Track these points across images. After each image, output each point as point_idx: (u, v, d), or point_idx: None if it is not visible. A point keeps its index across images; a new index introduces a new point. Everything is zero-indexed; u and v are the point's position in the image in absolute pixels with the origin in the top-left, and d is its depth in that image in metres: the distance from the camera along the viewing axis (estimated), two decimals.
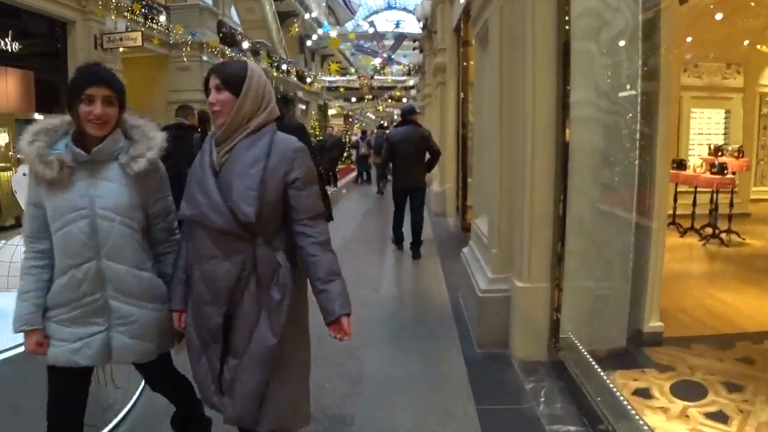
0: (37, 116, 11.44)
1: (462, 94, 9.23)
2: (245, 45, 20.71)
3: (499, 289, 3.89)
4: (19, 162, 10.62)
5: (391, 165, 7.35)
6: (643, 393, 3.23)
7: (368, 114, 55.81)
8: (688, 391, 3.22)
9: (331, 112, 44.29)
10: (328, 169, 16.47)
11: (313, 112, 19.62)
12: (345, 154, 21.96)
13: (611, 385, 2.96)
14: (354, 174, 20.06)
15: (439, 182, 10.90)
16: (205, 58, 15.49)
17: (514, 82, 3.75)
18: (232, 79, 1.95)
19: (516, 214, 3.78)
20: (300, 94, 31.57)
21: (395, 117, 58.07)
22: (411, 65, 23.91)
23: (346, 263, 6.65)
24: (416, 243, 7.12)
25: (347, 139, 19.21)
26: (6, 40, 10.43)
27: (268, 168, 1.93)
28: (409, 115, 7.36)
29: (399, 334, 4.41)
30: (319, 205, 2.06)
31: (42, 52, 11.83)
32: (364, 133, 22.84)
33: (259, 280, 1.99)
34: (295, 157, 1.98)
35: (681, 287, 5.08)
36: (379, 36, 33.65)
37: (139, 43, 11.87)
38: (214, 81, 1.97)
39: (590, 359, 3.24)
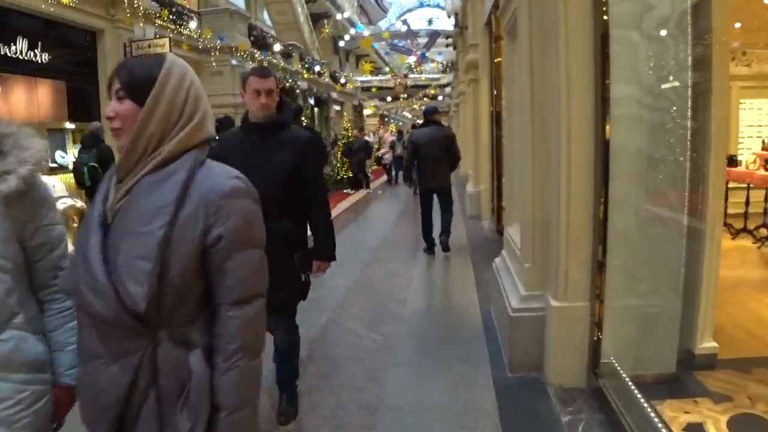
0: (68, 125, 11.50)
1: (495, 91, 8.81)
2: (277, 47, 20.62)
3: (532, 308, 3.51)
4: (51, 171, 10.70)
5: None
6: (696, 429, 2.81)
7: (404, 113, 55.56)
8: (749, 427, 2.80)
9: (366, 112, 44.15)
10: (356, 171, 16.27)
11: (345, 113, 19.36)
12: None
13: (656, 420, 2.57)
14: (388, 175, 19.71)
15: (474, 183, 10.50)
16: (234, 62, 15.38)
17: (547, 77, 3.37)
18: (137, 82, 1.32)
19: (551, 223, 3.40)
20: (334, 95, 31.45)
21: None
22: (445, 62, 23.42)
23: (374, 273, 6.39)
24: (446, 233, 7.20)
25: (376, 142, 18.68)
26: (36, 51, 10.44)
27: (178, 223, 1.26)
28: (431, 116, 7.28)
29: (424, 355, 4.07)
30: (255, 284, 1.36)
31: (73, 62, 11.86)
32: (400, 133, 22.51)
33: (160, 397, 1.29)
34: (223, 205, 1.29)
35: (735, 299, 4.56)
36: (412, 34, 33.29)
37: (167, 48, 11.79)
38: (115, 85, 1.35)
39: (634, 388, 2.84)
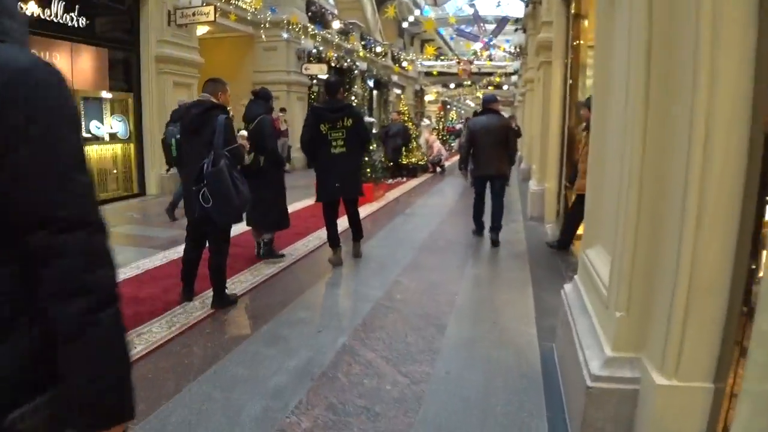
0: (105, 94, 10.88)
1: (571, 79, 7.57)
2: (336, 25, 19.66)
3: (621, 377, 2.40)
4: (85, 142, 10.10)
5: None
6: None
7: (467, 101, 54.03)
8: None
9: (428, 98, 42.94)
10: (390, 158, 14.77)
11: (403, 97, 18.26)
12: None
13: None
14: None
15: (538, 180, 9.28)
16: (284, 36, 14.49)
17: (673, 49, 2.23)
18: None
19: (664, 257, 2.28)
20: (394, 78, 30.43)
21: None
22: (513, 47, 21.95)
23: (413, 283, 5.28)
24: (496, 229, 7.12)
25: (414, 126, 17.13)
26: (73, 14, 9.79)
27: None
28: (490, 104, 7.32)
29: (461, 414, 3.01)
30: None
31: (114, 29, 11.22)
32: (468, 120, 21.29)
33: None
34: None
35: None
36: (480, 19, 31.90)
37: (211, 18, 11.01)
38: None
39: None
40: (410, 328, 4.22)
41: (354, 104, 5.98)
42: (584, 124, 6.19)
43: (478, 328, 4.25)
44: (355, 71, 22.80)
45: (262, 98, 6.10)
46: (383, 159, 15.79)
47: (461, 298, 4.98)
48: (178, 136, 7.90)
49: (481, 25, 31.67)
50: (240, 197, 4.41)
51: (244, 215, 5.36)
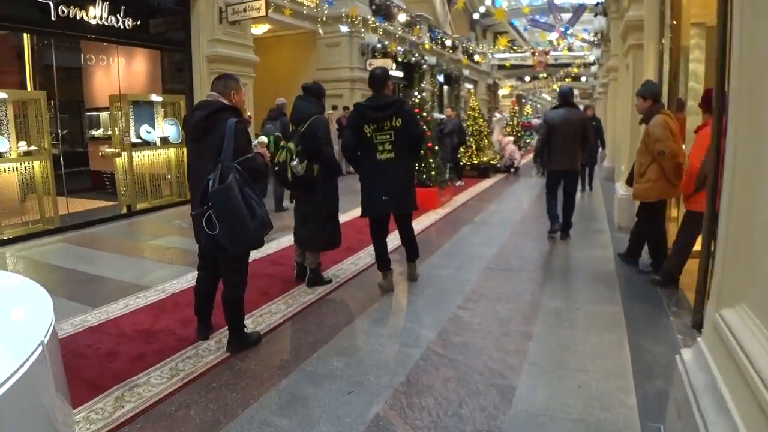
0: (155, 97, 10.40)
1: (668, 65, 6.33)
2: (401, 18, 18.73)
3: None
4: (133, 147, 9.72)
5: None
6: None
7: (543, 95, 51.79)
8: None
9: (501, 92, 41.31)
10: (448, 159, 12.51)
11: (472, 92, 17.07)
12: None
13: None
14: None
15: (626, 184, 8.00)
16: (343, 30, 13.69)
17: None
18: None
19: None
20: (466, 72, 29.17)
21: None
22: (594, 33, 20.31)
23: (473, 319, 4.41)
24: (566, 226, 7.19)
25: (484, 122, 15.57)
26: (118, 16, 9.32)
27: None
28: (567, 98, 7.15)
29: None
30: None
31: (165, 30, 10.74)
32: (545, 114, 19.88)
33: None
34: None
35: None
36: (555, 8, 30.21)
37: (263, 12, 10.33)
38: None
39: None
40: (467, 392, 3.23)
41: (404, 99, 4.95)
42: (641, 116, 5.33)
43: (557, 395, 3.20)
44: (424, 66, 21.81)
45: (313, 95, 5.21)
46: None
47: (536, 344, 3.92)
48: (277, 133, 8.50)
49: (557, 14, 30.00)
50: (256, 219, 3.57)
51: (279, 237, 4.54)
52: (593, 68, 27.50)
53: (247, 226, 3.53)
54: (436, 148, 9.92)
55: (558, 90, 7.71)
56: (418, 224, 8.17)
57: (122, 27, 9.36)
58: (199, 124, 3.66)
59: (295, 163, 5.07)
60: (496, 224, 8.16)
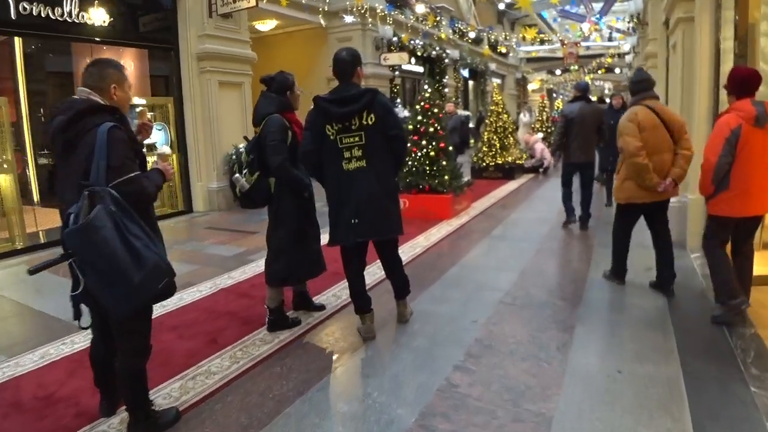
0: (137, 100, 9.42)
1: (731, 41, 5.04)
2: (420, 9, 17.48)
3: None
4: None
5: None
6: None
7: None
8: None
9: (531, 86, 39.68)
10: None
11: (495, 85, 15.68)
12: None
13: None
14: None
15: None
16: (348, 20, 12.56)
17: None
18: None
19: None
20: (492, 66, 27.76)
21: (606, 90, 51.62)
22: (630, 16, 18.75)
23: (470, 401, 2.24)
24: (585, 217, 7.38)
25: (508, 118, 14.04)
26: (92, 12, 8.35)
27: None
28: (584, 92, 7.44)
29: None
30: None
31: (148, 26, 9.76)
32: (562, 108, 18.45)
33: None
34: None
35: None
36: None
37: (253, 3, 9.24)
38: None
39: None
40: None
41: (376, 89, 3.72)
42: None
43: None
44: (446, 60, 20.54)
45: (274, 90, 4.12)
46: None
47: (564, 413, 2.71)
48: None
49: (588, 3, 28.51)
50: (143, 267, 2.43)
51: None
52: (628, 58, 25.80)
53: (130, 278, 2.39)
54: (450, 149, 8.69)
55: (575, 84, 8.03)
56: (426, 239, 6.97)
57: (96, 24, 8.38)
58: (58, 135, 2.55)
59: (237, 176, 4.04)
60: (518, 239, 6.89)
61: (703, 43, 5.56)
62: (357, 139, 3.60)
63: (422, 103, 8.61)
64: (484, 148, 13.50)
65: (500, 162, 13.16)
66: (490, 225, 7.80)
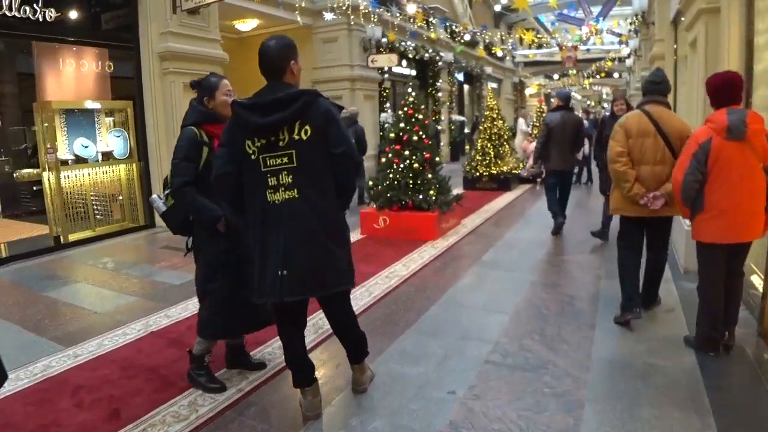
0: (91, 105, 8.48)
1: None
2: (411, 9, 16.54)
3: None
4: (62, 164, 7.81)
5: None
6: None
7: (573, 93, 48.94)
8: None
9: (528, 91, 38.79)
10: None
11: (489, 89, 14.73)
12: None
13: None
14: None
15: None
16: (328, 18, 11.65)
17: None
18: None
19: None
20: (488, 70, 26.83)
21: (604, 95, 50.81)
22: (631, 19, 17.86)
23: None
24: (561, 217, 7.54)
25: (503, 124, 13.01)
26: (37, 6, 7.41)
27: None
28: (566, 100, 7.63)
29: None
30: None
31: (103, 22, 8.85)
32: (587, 113, 17.56)
33: None
34: None
35: None
36: (585, 1, 27.91)
37: None
38: None
39: None
40: None
41: (315, 91, 2.74)
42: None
43: None
44: (440, 63, 19.61)
45: (198, 96, 3.32)
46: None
47: None
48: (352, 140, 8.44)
49: (587, 7, 27.76)
50: None
51: None
52: (628, 62, 24.94)
53: None
54: (437, 159, 7.75)
55: (557, 92, 8.12)
56: (405, 267, 6.02)
57: (43, 19, 7.43)
58: None
59: (155, 196, 3.33)
60: (512, 267, 5.92)
61: (732, 38, 4.64)
62: (286, 160, 2.63)
63: (405, 109, 7.68)
64: (478, 157, 12.56)
65: (495, 172, 12.22)
66: (481, 248, 6.83)
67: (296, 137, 2.63)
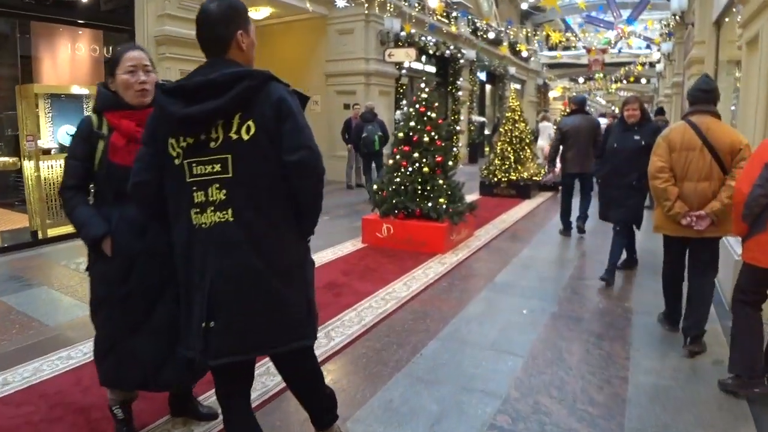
0: (78, 89, 7.85)
1: None
2: (432, 2, 15.75)
3: None
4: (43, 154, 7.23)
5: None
6: None
7: (597, 98, 47.66)
8: None
9: (552, 94, 37.77)
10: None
11: (513, 89, 13.84)
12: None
13: None
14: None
15: None
16: (340, 5, 10.93)
17: None
18: None
19: None
20: (512, 70, 25.94)
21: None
22: (667, 22, 16.89)
23: None
24: (583, 218, 7.66)
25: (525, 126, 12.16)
26: None
27: None
28: (581, 105, 7.81)
29: None
30: None
31: (98, 4, 8.23)
32: (614, 118, 16.56)
33: None
34: None
35: None
36: (615, 4, 26.95)
37: None
38: None
39: None
40: None
41: (266, 72, 1.97)
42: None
43: None
44: (461, 60, 18.80)
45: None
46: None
47: None
48: (380, 132, 10.89)
49: (616, 9, 26.87)
50: None
51: None
52: (659, 66, 23.90)
53: None
54: (450, 163, 7.01)
55: (572, 97, 8.40)
56: (406, 286, 5.27)
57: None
58: None
59: None
60: (529, 293, 5.14)
61: None
62: (218, 168, 1.90)
63: (417, 106, 6.93)
64: (497, 161, 11.75)
65: (514, 178, 11.41)
66: (494, 266, 6.06)
67: (234, 136, 1.90)
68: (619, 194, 5.24)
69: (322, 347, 3.83)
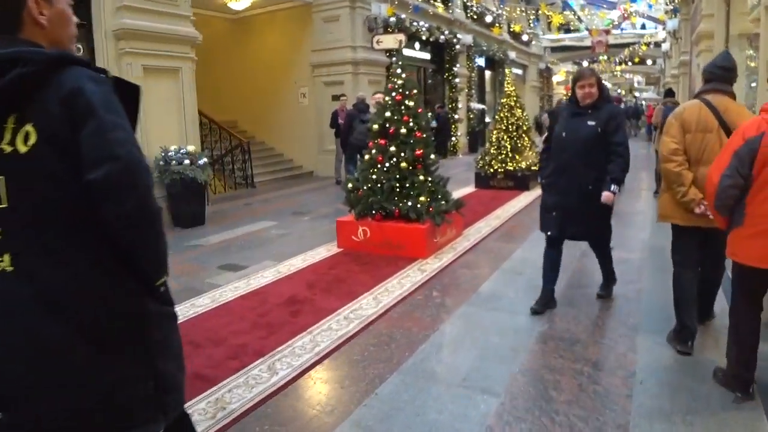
0: None
1: None
2: None
3: None
4: None
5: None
6: None
7: (603, 81, 46.57)
8: None
9: (556, 78, 36.84)
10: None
11: (507, 72, 13.07)
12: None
13: None
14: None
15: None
16: None
17: None
18: None
19: None
20: (512, 55, 25.08)
21: (635, 83, 48.50)
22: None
23: None
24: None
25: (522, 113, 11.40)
26: None
27: None
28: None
29: None
30: None
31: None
32: (619, 102, 15.75)
33: None
34: None
35: None
36: None
37: None
38: None
39: None
40: None
41: (65, 54, 1.32)
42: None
43: None
44: (457, 46, 18.03)
45: None
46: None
47: None
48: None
49: None
50: None
51: None
52: (665, 46, 23.03)
53: None
54: (432, 157, 6.32)
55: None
56: (375, 301, 4.60)
57: None
58: None
59: None
60: (515, 307, 4.41)
61: None
62: None
63: (393, 94, 6.25)
64: (492, 150, 11.04)
65: (511, 168, 10.70)
66: (481, 273, 5.37)
67: (6, 148, 1.25)
68: (573, 204, 4.01)
69: (262, 384, 3.19)
